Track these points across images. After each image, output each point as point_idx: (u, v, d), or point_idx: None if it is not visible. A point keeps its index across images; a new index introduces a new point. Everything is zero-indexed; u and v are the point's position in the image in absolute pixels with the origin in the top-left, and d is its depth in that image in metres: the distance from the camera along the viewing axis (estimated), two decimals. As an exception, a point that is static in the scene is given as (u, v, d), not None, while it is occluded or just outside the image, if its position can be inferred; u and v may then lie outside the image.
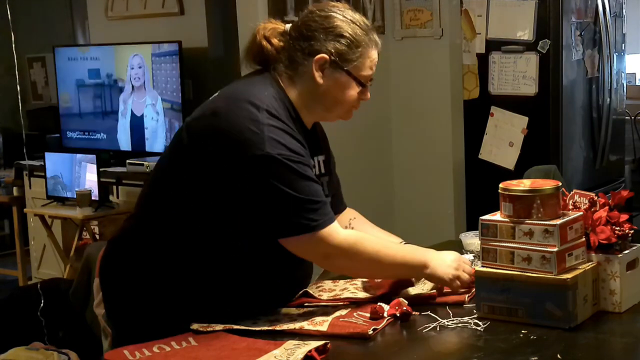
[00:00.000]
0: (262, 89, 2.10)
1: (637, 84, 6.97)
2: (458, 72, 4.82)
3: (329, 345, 1.87)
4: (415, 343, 1.94)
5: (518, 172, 4.40)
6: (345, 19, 2.14)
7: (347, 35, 2.12)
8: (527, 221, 1.96)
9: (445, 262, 2.17)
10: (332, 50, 2.11)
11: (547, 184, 2.01)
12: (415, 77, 4.88)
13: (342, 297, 2.23)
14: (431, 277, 2.18)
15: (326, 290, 2.29)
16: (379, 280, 2.26)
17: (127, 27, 5.14)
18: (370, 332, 1.94)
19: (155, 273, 2.12)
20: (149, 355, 1.87)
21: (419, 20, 4.83)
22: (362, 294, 2.24)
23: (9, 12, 4.23)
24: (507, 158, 4.72)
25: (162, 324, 2.05)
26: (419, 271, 2.17)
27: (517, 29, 4.62)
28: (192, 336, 1.97)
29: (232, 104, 2.05)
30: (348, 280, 2.38)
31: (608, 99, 4.94)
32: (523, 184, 2.02)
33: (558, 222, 1.93)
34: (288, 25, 2.19)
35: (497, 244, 2.01)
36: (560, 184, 2.04)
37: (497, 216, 2.04)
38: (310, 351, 1.81)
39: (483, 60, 4.76)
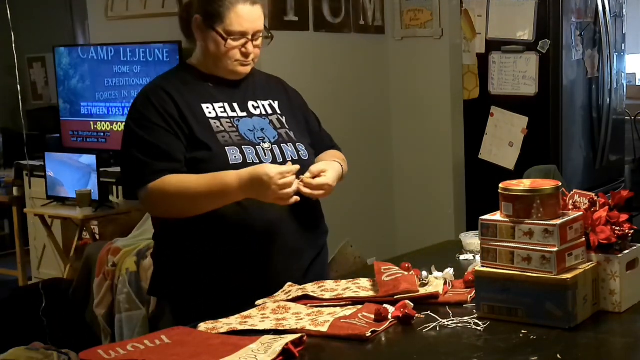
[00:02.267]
0: (161, 76, 2.53)
1: (637, 84, 6.97)
2: (458, 72, 4.83)
3: (304, 338, 1.89)
4: (415, 343, 1.93)
5: (518, 172, 4.41)
6: None
7: None
8: (527, 221, 1.96)
9: (258, 183, 2.24)
10: (202, 11, 2.38)
11: (547, 184, 2.01)
12: (415, 77, 4.89)
13: (344, 296, 2.23)
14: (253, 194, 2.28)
15: (328, 290, 2.30)
16: (383, 279, 2.26)
17: (127, 27, 5.14)
18: (369, 334, 1.94)
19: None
20: (123, 354, 1.87)
21: (419, 20, 4.83)
22: (365, 294, 2.24)
23: (8, 12, 4.23)
24: (507, 158, 4.73)
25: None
26: (233, 194, 2.28)
27: (517, 29, 4.63)
28: (164, 334, 1.98)
29: None
30: (350, 280, 2.39)
31: (608, 99, 4.95)
32: (523, 184, 2.02)
33: (558, 222, 1.93)
34: None
35: (497, 244, 2.01)
36: (560, 184, 2.04)
37: (497, 216, 2.04)
38: (287, 344, 1.83)
39: (483, 60, 4.77)
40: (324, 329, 1.98)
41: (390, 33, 4.91)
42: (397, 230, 5.04)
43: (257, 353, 1.81)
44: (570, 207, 2.12)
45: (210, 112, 2.41)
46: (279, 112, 2.54)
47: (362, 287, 2.31)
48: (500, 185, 2.05)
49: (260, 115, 2.50)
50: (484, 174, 4.74)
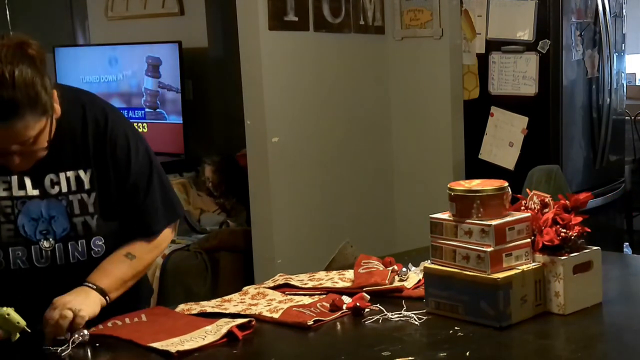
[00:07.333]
0: None
1: (637, 84, 6.89)
2: (458, 72, 4.82)
3: (253, 323, 1.99)
4: (348, 334, 2.02)
5: (518, 172, 4.41)
6: None
7: None
8: (467, 220, 1.99)
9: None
10: None
11: (490, 185, 2.02)
12: (415, 77, 4.88)
13: (323, 286, 2.31)
14: None
15: (315, 279, 2.38)
16: (359, 272, 2.35)
17: (127, 27, 5.19)
18: (310, 322, 2.01)
19: None
20: (101, 329, 2.00)
21: (419, 20, 4.83)
22: (342, 284, 2.32)
23: (7, 13, 4.30)
24: (507, 158, 4.72)
25: None
26: None
27: (517, 29, 4.61)
28: (144, 313, 2.11)
29: None
30: (339, 271, 2.45)
31: (608, 99, 4.91)
32: (468, 184, 2.04)
33: (493, 222, 1.94)
34: None
35: (442, 241, 2.05)
36: (506, 184, 2.05)
37: (446, 215, 2.08)
38: (231, 327, 1.93)
39: (483, 60, 4.75)
40: (276, 315, 2.07)
41: (390, 33, 4.92)
42: (397, 230, 5.04)
43: (208, 334, 1.92)
44: (523, 208, 2.13)
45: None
46: (87, 186, 2.04)
47: (345, 278, 2.39)
48: (448, 184, 2.08)
49: (58, 195, 2.01)
50: (484, 174, 4.66)
